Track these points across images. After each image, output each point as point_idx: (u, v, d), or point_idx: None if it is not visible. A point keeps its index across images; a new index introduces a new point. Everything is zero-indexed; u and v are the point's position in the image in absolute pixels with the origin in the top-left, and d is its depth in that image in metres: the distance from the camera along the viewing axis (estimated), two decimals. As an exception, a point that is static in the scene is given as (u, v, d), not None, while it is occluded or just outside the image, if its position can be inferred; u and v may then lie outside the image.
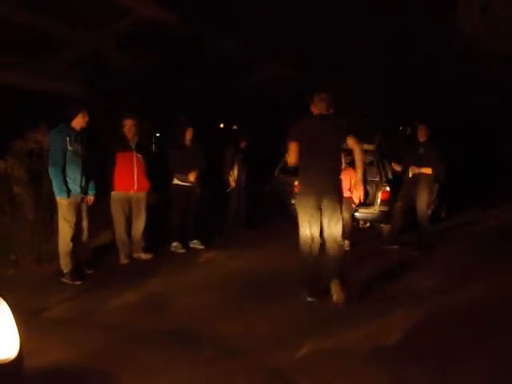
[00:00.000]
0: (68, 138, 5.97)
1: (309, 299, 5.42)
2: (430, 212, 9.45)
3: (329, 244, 5.49)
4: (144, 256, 7.21)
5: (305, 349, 4.17)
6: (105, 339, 4.40)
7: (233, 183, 9.41)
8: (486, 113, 16.07)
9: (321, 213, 5.46)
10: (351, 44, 11.70)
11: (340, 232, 5.47)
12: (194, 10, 9.99)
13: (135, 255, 7.21)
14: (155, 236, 7.70)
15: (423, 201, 8.09)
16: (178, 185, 7.85)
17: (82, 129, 6.19)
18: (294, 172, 10.18)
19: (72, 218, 6.06)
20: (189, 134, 7.94)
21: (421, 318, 4.92)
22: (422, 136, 8.16)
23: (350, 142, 5.50)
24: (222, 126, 18.43)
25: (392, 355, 4.10)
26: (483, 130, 16.74)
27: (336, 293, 5.25)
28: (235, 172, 9.52)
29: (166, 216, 7.98)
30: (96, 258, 6.91)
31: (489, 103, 15.21)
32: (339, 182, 5.72)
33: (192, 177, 7.76)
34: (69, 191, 5.97)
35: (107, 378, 3.71)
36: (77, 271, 6.16)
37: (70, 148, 5.97)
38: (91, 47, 10.63)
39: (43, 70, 10.23)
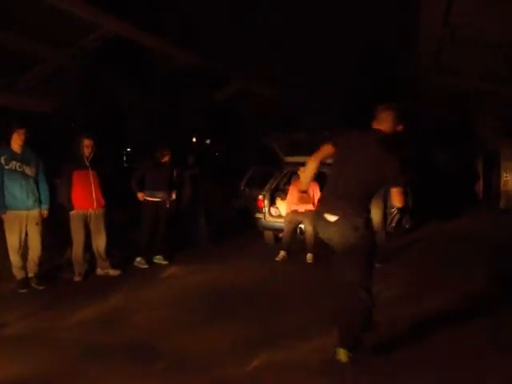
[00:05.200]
0: (4, 157, 6.27)
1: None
2: (394, 224, 9.59)
3: None
4: (112, 272, 7.19)
5: (256, 361, 4.20)
6: (60, 355, 4.44)
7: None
8: (448, 124, 16.34)
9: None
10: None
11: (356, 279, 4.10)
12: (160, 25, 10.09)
13: (103, 271, 7.19)
14: (118, 251, 7.80)
15: (378, 212, 8.08)
16: (147, 200, 7.88)
17: (21, 146, 6.40)
18: (259, 185, 10.33)
19: (14, 232, 6.34)
20: (166, 157, 8.03)
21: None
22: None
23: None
24: (194, 140, 18.42)
25: (343, 367, 4.07)
26: (445, 142, 17.04)
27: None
28: (187, 189, 9.61)
29: (129, 231, 7.99)
30: (56, 274, 6.96)
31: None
32: (363, 209, 4.22)
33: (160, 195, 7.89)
34: (6, 206, 6.26)
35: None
36: (24, 283, 6.41)
37: (6, 167, 6.27)
38: (58, 63, 10.64)
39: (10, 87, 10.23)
